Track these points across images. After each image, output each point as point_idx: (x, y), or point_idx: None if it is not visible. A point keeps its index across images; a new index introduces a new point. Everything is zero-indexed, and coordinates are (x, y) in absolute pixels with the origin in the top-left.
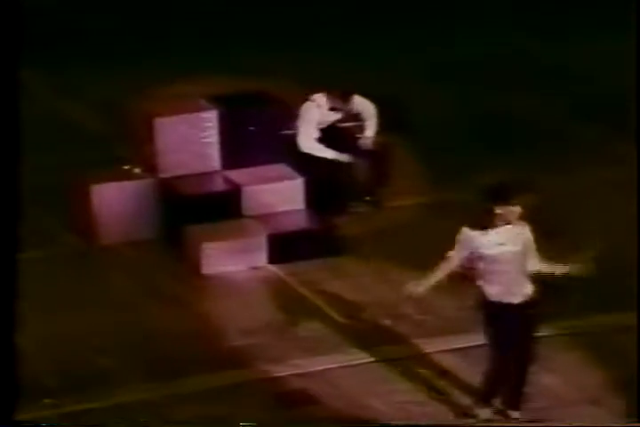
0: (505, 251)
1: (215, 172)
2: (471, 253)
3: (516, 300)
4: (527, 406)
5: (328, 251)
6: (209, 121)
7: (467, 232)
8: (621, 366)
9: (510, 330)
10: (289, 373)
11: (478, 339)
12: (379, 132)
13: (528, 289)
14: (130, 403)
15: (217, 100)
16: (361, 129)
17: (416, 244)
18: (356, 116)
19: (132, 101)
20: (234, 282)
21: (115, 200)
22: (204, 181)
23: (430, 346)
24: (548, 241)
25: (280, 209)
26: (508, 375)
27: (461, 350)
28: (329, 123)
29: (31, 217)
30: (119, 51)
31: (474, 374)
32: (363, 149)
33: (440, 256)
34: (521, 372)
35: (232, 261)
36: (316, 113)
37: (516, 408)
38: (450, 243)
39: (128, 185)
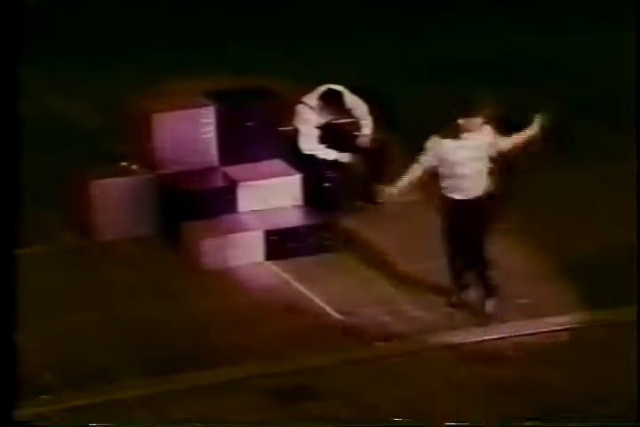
0: (464, 155)
1: (213, 168)
2: (437, 159)
3: (470, 196)
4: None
5: (325, 247)
6: (207, 117)
7: (434, 139)
8: (621, 360)
9: (463, 223)
10: (286, 369)
11: (476, 335)
12: (376, 130)
13: (482, 189)
14: (128, 399)
15: (214, 96)
16: (357, 126)
17: (412, 240)
18: (350, 114)
19: (130, 98)
20: (231, 278)
21: (113, 196)
22: (202, 176)
23: (427, 342)
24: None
25: (277, 205)
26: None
27: (458, 346)
28: (325, 122)
29: (30, 213)
30: (117, 47)
31: (471, 370)
32: (360, 147)
33: (436, 250)
34: (482, 265)
35: (229, 256)
36: (310, 114)
37: (490, 296)
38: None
39: (126, 181)
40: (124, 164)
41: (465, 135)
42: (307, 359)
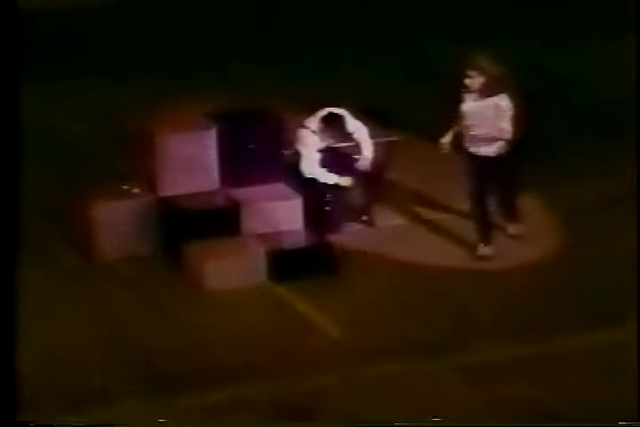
0: (474, 110)
1: (215, 190)
2: (462, 114)
3: (484, 152)
4: None
5: (326, 268)
6: (209, 139)
7: (462, 95)
8: (621, 381)
9: (481, 177)
10: (288, 389)
11: (477, 356)
12: (377, 153)
13: (494, 146)
14: (129, 419)
15: (216, 118)
16: (358, 150)
17: (411, 261)
18: (351, 138)
19: (132, 119)
20: (233, 299)
21: (115, 219)
22: (204, 198)
23: (428, 363)
24: None
25: (279, 227)
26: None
27: (461, 368)
28: (326, 145)
29: (30, 233)
30: (119, 68)
31: (472, 392)
32: (360, 170)
33: (436, 270)
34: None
35: (231, 278)
36: (312, 138)
37: (514, 221)
38: (444, 256)
39: (128, 204)
40: (125, 187)
41: (479, 94)
42: (309, 380)
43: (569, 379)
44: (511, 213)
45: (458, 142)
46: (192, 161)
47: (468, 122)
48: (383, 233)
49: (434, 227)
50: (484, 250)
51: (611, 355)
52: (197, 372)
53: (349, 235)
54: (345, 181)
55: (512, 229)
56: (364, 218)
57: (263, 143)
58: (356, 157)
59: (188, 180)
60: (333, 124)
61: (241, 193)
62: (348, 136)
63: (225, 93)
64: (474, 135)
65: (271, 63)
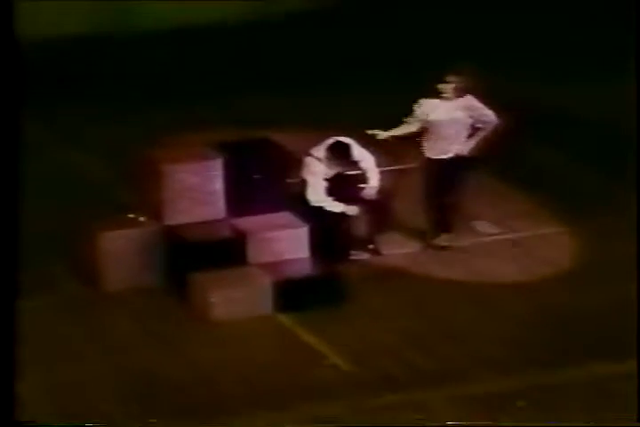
0: (440, 117)
1: (221, 219)
2: (422, 118)
3: (445, 156)
4: None
5: (333, 298)
6: (215, 169)
7: (421, 101)
8: (622, 413)
9: (441, 180)
10: (295, 421)
11: (484, 387)
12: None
13: (460, 150)
14: None
15: (222, 148)
16: (364, 178)
17: (417, 289)
18: (358, 166)
19: (138, 149)
20: (239, 329)
21: (121, 248)
22: (210, 228)
23: (434, 394)
24: None
25: (285, 257)
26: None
27: (467, 398)
28: (332, 174)
29: (35, 262)
30: (125, 99)
31: (479, 421)
32: (366, 198)
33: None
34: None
35: (237, 308)
36: (319, 166)
37: (447, 231)
38: (451, 284)
39: (134, 233)
40: (131, 216)
41: (448, 98)
42: (316, 411)
43: (571, 409)
44: (447, 221)
45: (414, 144)
46: (198, 191)
47: (429, 126)
48: (390, 261)
49: (442, 254)
50: (442, 239)
51: (612, 386)
52: (202, 403)
53: (355, 263)
54: (351, 209)
55: (443, 239)
56: (370, 247)
57: (269, 173)
58: (363, 185)
59: (193, 209)
60: (340, 153)
61: (247, 222)
62: (354, 165)
63: (230, 123)
64: (435, 137)
65: (276, 93)
